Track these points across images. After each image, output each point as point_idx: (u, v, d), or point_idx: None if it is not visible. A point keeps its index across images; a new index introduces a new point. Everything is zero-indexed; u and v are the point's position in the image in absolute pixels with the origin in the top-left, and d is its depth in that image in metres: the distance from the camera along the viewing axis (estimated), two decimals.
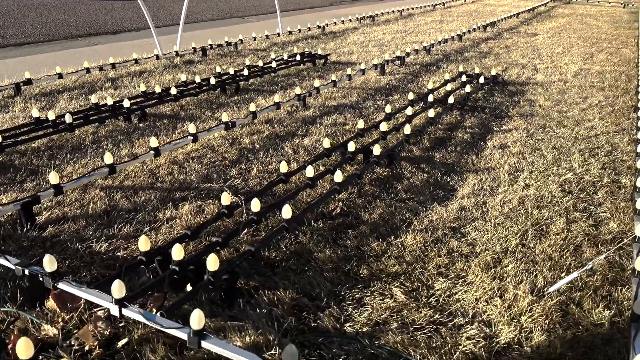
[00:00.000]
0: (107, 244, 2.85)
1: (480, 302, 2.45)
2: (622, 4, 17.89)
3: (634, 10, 16.55)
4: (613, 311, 2.39)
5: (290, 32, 10.58)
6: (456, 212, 3.33)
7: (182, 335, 1.97)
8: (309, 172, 3.33)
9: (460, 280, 2.61)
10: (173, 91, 5.30)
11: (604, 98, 6.23)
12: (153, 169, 3.85)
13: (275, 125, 4.95)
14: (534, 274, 2.65)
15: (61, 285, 2.24)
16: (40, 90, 6.05)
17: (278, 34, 10.24)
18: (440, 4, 17.53)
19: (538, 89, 6.67)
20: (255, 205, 2.86)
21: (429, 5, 16.95)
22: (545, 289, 2.52)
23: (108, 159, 3.43)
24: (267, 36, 9.80)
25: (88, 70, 6.60)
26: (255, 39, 9.60)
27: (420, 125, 4.91)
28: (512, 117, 5.42)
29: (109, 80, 6.61)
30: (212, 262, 2.27)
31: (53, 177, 3.10)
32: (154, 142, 3.75)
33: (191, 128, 4.10)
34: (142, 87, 5.41)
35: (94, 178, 3.45)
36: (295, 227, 2.93)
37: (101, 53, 8.59)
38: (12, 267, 2.37)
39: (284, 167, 3.43)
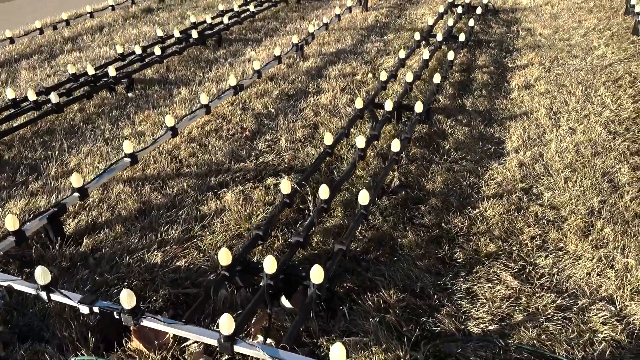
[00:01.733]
0: (161, 253, 2.48)
1: (593, 277, 2.29)
2: None
3: None
4: None
5: None
6: (517, 169, 3.13)
7: None
8: (360, 142, 3.01)
9: (561, 253, 2.44)
10: (157, 51, 4.70)
11: (597, 20, 6.07)
12: (172, 151, 3.41)
13: (281, 83, 4.51)
14: (633, 235, 2.51)
15: (147, 324, 1.90)
16: None
17: None
18: None
19: (530, 15, 6.43)
20: (324, 192, 2.53)
21: None
22: None
23: (128, 147, 2.97)
24: None
25: (41, 31, 5.78)
26: None
27: (432, 68, 4.61)
28: (521, 50, 5.18)
29: (67, 40, 5.83)
30: (317, 275, 1.97)
31: (76, 180, 2.63)
32: (170, 120, 3.28)
33: (203, 98, 3.63)
34: (120, 49, 4.76)
35: (116, 173, 2.98)
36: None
37: (42, 8, 7.60)
38: (76, 304, 1.99)
39: (328, 139, 3.08)
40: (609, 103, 3.95)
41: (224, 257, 2.11)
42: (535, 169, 3.13)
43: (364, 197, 2.48)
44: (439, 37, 4.87)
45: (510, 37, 5.58)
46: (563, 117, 3.77)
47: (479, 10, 5.83)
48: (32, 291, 2.06)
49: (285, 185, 2.60)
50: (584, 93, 4.15)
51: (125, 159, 2.99)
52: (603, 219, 2.64)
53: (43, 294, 2.03)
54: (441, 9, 5.93)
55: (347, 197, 2.89)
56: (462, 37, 4.81)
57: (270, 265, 2.04)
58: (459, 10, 5.88)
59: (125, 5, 7.13)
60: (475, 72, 4.66)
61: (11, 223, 2.33)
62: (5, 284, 2.12)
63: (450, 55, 4.35)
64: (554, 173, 3.08)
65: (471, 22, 5.29)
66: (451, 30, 5.26)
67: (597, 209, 2.73)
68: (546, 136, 3.52)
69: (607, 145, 3.36)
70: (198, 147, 3.46)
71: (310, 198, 2.80)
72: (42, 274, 2.01)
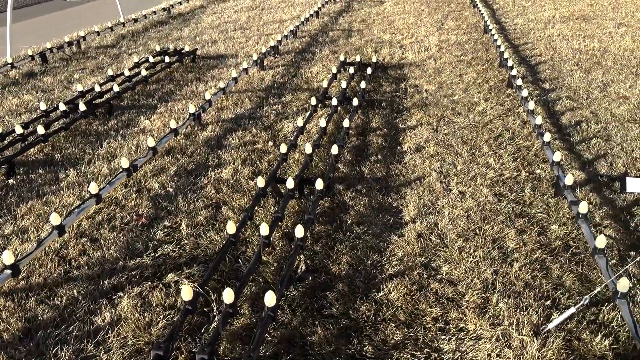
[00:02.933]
0: None
1: (494, 358, 2.40)
2: None
3: None
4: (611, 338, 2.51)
5: (135, 20, 9.48)
6: (416, 241, 3.25)
7: None
8: (264, 230, 2.97)
9: (462, 334, 2.54)
10: (40, 130, 4.39)
11: (476, 74, 6.57)
12: (59, 251, 3.16)
13: (179, 156, 4.38)
14: (525, 309, 2.68)
15: None
16: None
17: (123, 23, 9.10)
18: None
19: (416, 71, 6.81)
20: (229, 296, 2.45)
21: None
22: (543, 326, 2.55)
23: (8, 258, 2.70)
24: (111, 28, 8.68)
25: None
26: (99, 33, 8.42)
27: (330, 132, 4.74)
28: (410, 109, 5.46)
29: None
30: None
31: None
32: (56, 219, 3.05)
33: (92, 188, 3.42)
34: None
35: None
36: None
37: None
38: None
39: (231, 228, 3.01)
40: (493, 162, 4.25)
41: None
42: (432, 240, 3.26)
43: (270, 299, 2.43)
44: (334, 102, 5.01)
45: (399, 95, 5.87)
46: (453, 180, 3.99)
47: (369, 70, 6.10)
48: None
49: (187, 292, 2.49)
50: (470, 153, 4.44)
51: (6, 270, 2.71)
52: (497, 293, 2.79)
53: None
54: (334, 69, 6.14)
55: (253, 290, 2.83)
56: (355, 102, 4.99)
57: None
58: (351, 70, 6.11)
59: (5, 70, 6.65)
60: (370, 135, 4.83)
61: None
62: None
63: (346, 123, 4.49)
64: (449, 243, 3.23)
65: (363, 84, 5.51)
66: (345, 92, 5.44)
67: (490, 281, 2.88)
68: (439, 202, 3.70)
69: (494, 209, 3.59)
70: (89, 242, 3.24)
71: (214, 297, 2.71)
72: None
